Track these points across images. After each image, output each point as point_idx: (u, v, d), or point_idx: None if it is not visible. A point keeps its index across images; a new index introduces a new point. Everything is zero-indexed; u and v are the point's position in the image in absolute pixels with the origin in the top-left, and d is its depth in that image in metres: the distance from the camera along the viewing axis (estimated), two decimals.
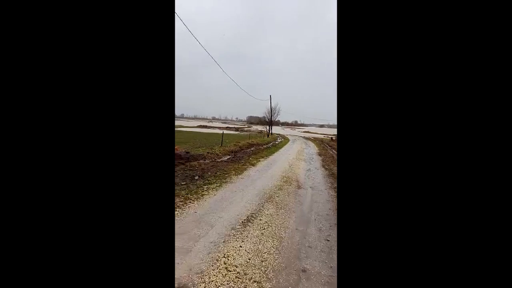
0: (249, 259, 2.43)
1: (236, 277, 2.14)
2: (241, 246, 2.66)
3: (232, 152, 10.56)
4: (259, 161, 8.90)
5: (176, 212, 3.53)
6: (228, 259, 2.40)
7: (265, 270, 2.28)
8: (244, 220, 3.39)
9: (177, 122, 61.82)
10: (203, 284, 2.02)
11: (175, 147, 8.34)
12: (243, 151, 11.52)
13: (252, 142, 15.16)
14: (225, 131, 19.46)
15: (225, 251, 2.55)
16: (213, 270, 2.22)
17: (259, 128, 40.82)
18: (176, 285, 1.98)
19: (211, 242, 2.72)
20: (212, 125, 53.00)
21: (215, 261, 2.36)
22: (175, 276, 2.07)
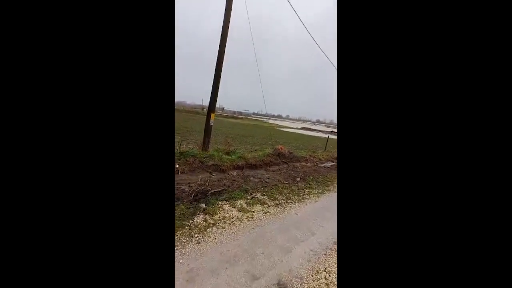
0: None
1: None
2: None
3: (336, 159, 9.87)
4: None
5: (278, 209, 3.69)
6: (330, 276, 2.21)
7: None
8: None
9: (281, 123, 65.43)
10: None
11: (280, 146, 8.79)
12: None
13: None
14: (330, 136, 18.48)
15: (327, 265, 2.37)
16: (313, 281, 2.12)
17: None
18: (275, 281, 2.05)
19: (311, 250, 2.62)
20: (315, 128, 52.03)
21: (315, 272, 2.25)
22: None
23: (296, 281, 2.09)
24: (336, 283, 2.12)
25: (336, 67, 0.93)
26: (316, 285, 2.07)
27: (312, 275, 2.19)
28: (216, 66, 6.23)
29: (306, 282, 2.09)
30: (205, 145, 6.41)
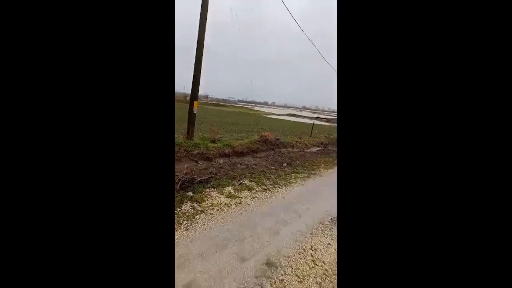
0: None
1: (323, 273, 2.05)
2: (329, 244, 2.51)
3: (322, 144, 10.09)
4: None
5: (266, 194, 3.76)
6: (316, 253, 2.32)
7: None
8: (334, 217, 3.17)
9: (268, 110, 65.29)
10: (290, 269, 2.05)
11: (266, 133, 8.81)
12: (335, 144, 10.78)
13: None
14: (316, 122, 18.77)
15: (313, 243, 2.48)
16: (300, 259, 2.21)
17: None
18: (264, 261, 2.12)
19: (298, 231, 2.72)
20: (301, 114, 52.53)
21: (302, 250, 2.34)
22: None
23: (284, 259, 2.17)
24: (323, 260, 2.23)
25: (336, 67, 0.94)
26: (303, 262, 2.16)
27: (299, 253, 2.28)
28: (196, 53, 5.98)
29: (293, 260, 2.18)
30: (189, 134, 6.28)
